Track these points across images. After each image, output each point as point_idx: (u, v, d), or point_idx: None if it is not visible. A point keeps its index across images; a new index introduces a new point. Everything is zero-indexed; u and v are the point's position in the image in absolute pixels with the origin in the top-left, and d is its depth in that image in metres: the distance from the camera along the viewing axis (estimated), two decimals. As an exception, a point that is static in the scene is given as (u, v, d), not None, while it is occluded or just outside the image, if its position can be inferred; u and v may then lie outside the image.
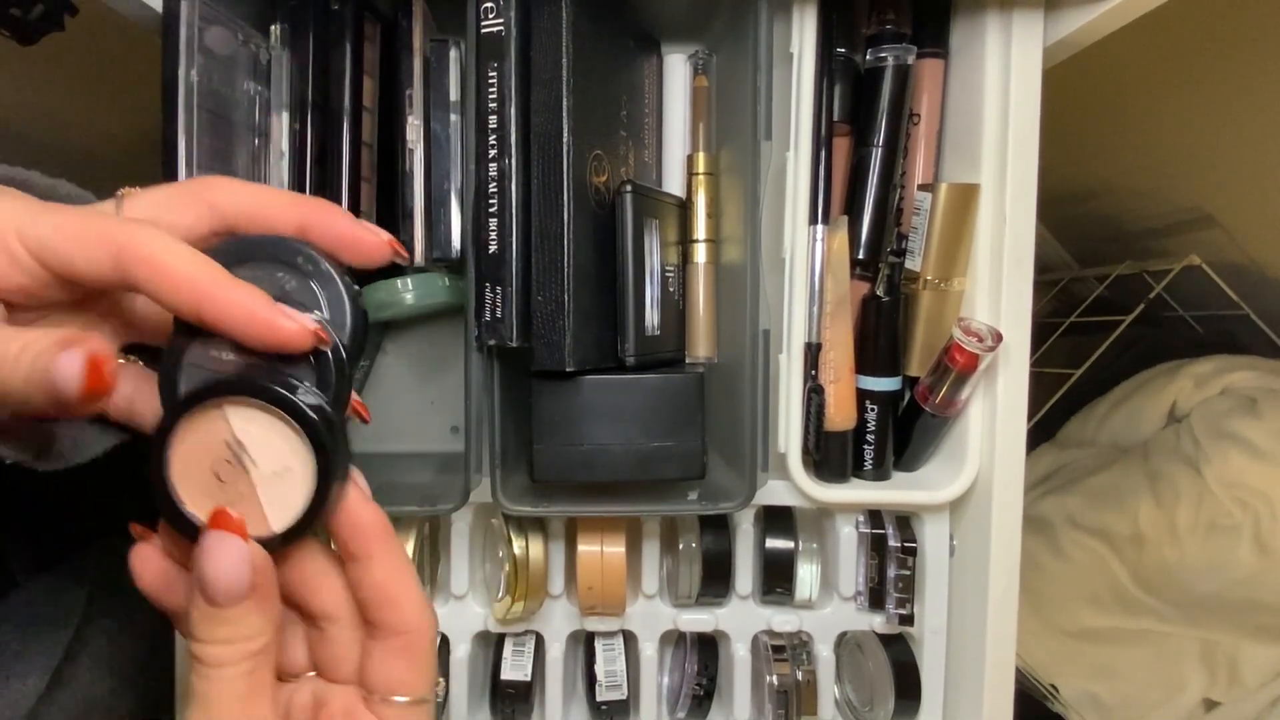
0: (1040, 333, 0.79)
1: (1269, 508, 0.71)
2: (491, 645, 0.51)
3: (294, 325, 0.26)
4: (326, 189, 0.45)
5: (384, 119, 0.47)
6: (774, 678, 0.48)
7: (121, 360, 0.31)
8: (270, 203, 0.29)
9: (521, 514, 0.44)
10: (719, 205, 0.49)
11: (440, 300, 0.48)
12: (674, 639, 0.54)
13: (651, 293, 0.45)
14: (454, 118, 0.45)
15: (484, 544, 0.50)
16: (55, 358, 0.24)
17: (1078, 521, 0.81)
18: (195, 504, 0.27)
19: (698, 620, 0.50)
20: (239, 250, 0.28)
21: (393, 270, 0.47)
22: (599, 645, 0.51)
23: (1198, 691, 0.76)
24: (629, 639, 0.51)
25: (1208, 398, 0.79)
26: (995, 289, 0.45)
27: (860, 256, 0.48)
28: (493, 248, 0.41)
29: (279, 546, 0.27)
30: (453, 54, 0.47)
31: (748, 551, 0.49)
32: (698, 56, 0.52)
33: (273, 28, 0.44)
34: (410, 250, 0.47)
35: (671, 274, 0.47)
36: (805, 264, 0.46)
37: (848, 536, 0.49)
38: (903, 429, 0.49)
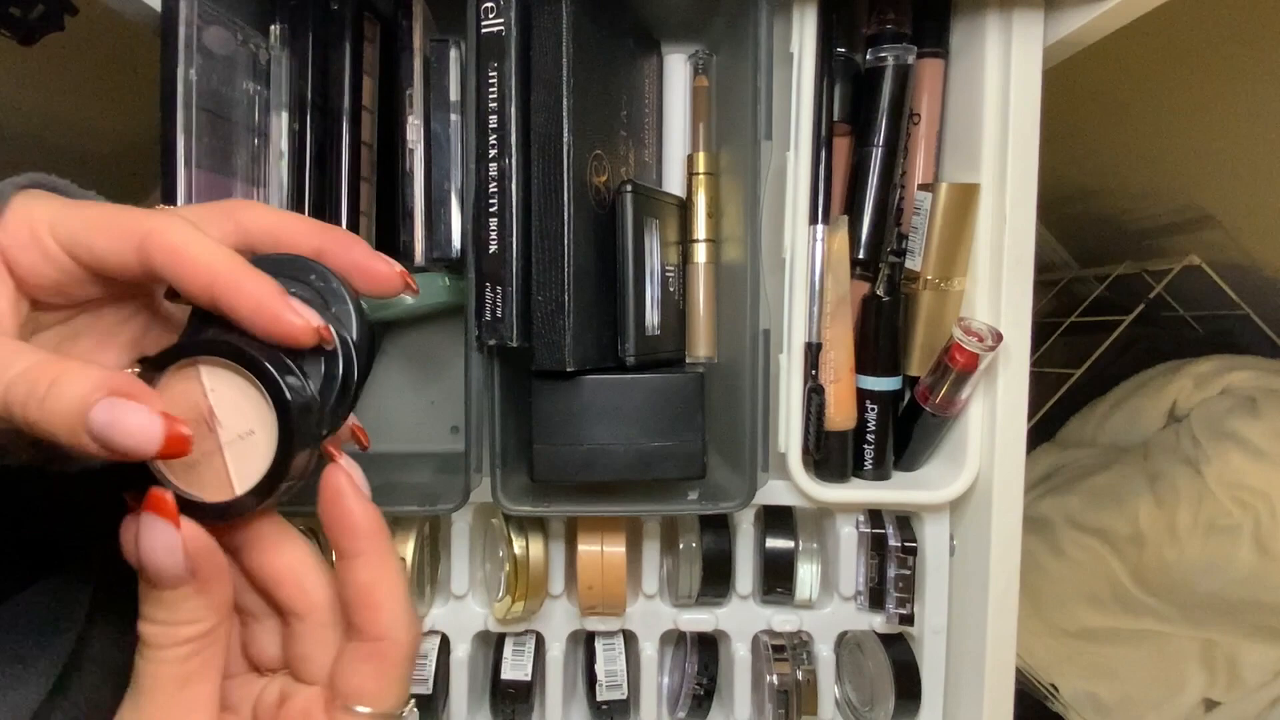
0: (1040, 333, 0.79)
1: (1269, 508, 0.71)
2: (491, 645, 0.51)
3: (299, 319, 0.27)
4: (326, 189, 0.45)
5: (384, 119, 0.47)
6: (774, 678, 0.48)
7: (136, 369, 0.31)
8: (293, 227, 0.30)
9: (521, 514, 0.44)
10: (719, 205, 0.49)
11: (440, 300, 0.48)
12: (674, 639, 0.54)
13: (651, 293, 0.45)
14: (454, 118, 0.45)
15: (484, 544, 0.50)
16: (114, 415, 0.24)
17: (1078, 521, 0.81)
18: (166, 463, 0.27)
19: (698, 620, 0.50)
20: (257, 264, 0.28)
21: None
22: (599, 645, 0.51)
23: (1198, 691, 0.76)
24: (629, 639, 0.51)
25: (1208, 398, 0.79)
26: (995, 289, 0.45)
27: (860, 256, 0.48)
28: (493, 248, 0.41)
29: (239, 512, 0.27)
30: (453, 54, 0.47)
31: (748, 551, 0.49)
32: (698, 56, 0.52)
33: (272, 28, 0.44)
34: (410, 250, 0.47)
35: (671, 274, 0.47)
36: (805, 264, 0.46)
37: (848, 536, 0.49)
38: (903, 429, 0.49)
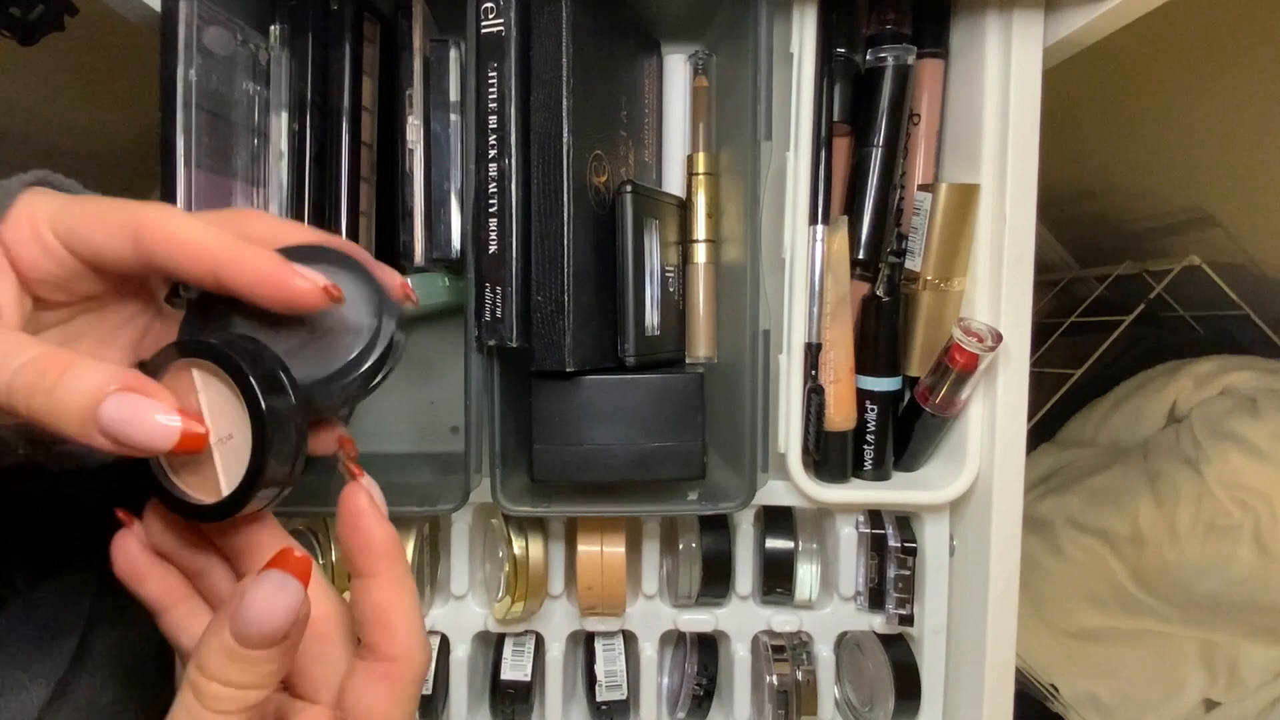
0: (1040, 333, 0.79)
1: (1269, 508, 0.71)
2: (491, 645, 0.51)
3: (306, 283, 0.27)
4: (326, 189, 0.45)
5: (384, 119, 0.47)
6: (774, 678, 0.48)
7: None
8: (296, 235, 0.31)
9: (521, 514, 0.44)
10: (719, 205, 0.49)
11: (440, 300, 0.48)
12: (674, 639, 0.54)
13: (651, 293, 0.45)
14: (454, 118, 0.45)
15: (484, 544, 0.50)
16: (126, 410, 0.24)
17: (1078, 521, 0.81)
18: (170, 458, 0.27)
19: (698, 620, 0.50)
20: (291, 253, 0.28)
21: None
22: (599, 645, 0.51)
23: (1198, 691, 0.76)
24: (629, 639, 0.51)
25: (1208, 398, 0.79)
26: (995, 289, 0.45)
27: (860, 256, 0.48)
28: (493, 248, 0.41)
29: (220, 515, 0.27)
30: (453, 54, 0.47)
31: (748, 551, 0.49)
32: (698, 56, 0.52)
33: (272, 28, 0.44)
34: (410, 250, 0.47)
35: (671, 274, 0.47)
36: (805, 264, 0.45)
37: (848, 536, 0.49)
38: (903, 429, 0.49)
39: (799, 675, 0.49)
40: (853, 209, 0.49)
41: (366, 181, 0.47)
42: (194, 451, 0.25)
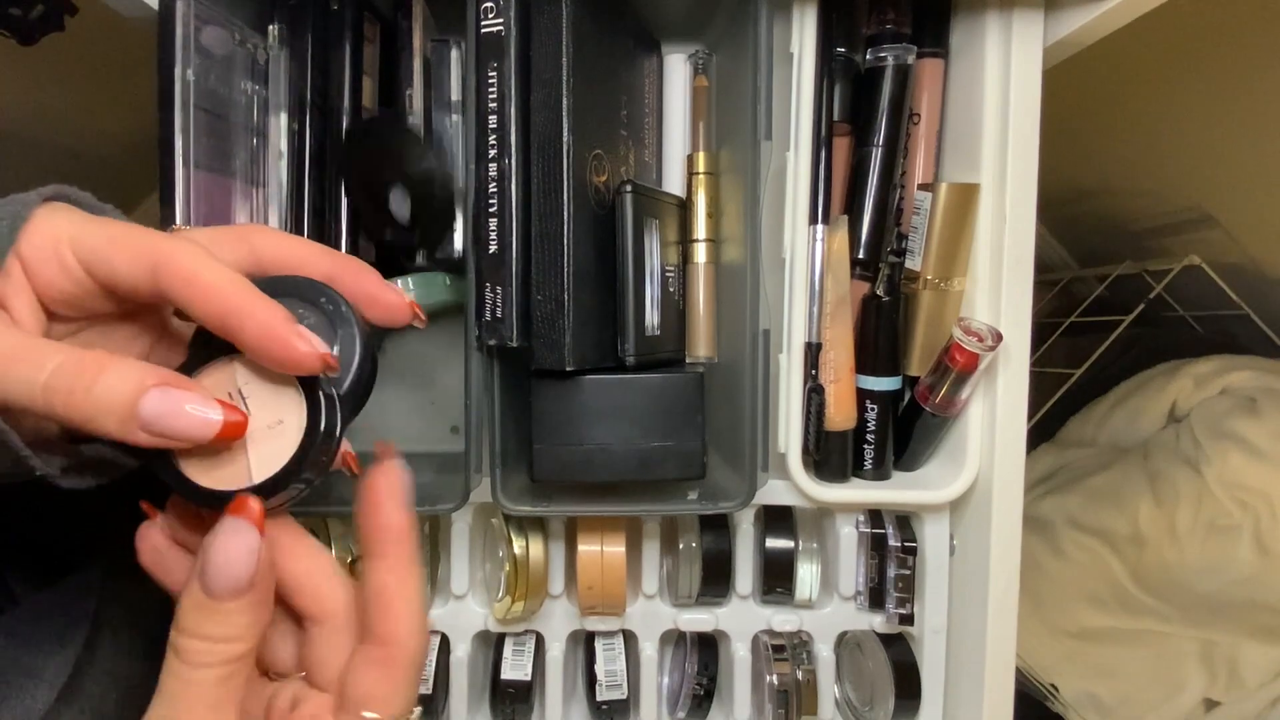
0: (1040, 333, 0.79)
1: (1269, 508, 0.71)
2: (491, 645, 0.51)
3: (306, 347, 0.27)
4: (325, 189, 0.45)
5: (384, 119, 0.47)
6: (774, 678, 0.48)
7: None
8: (305, 253, 0.31)
9: (521, 514, 0.44)
10: (719, 205, 0.49)
11: (441, 300, 0.48)
12: (674, 639, 0.54)
13: (651, 293, 0.45)
14: (454, 118, 0.45)
15: (484, 544, 0.50)
16: (166, 404, 0.25)
17: (1078, 521, 0.81)
18: (187, 455, 0.28)
19: (698, 620, 0.50)
20: (268, 285, 0.29)
21: (394, 270, 0.48)
22: (599, 645, 0.51)
23: (1198, 691, 0.76)
24: (629, 639, 0.51)
25: (1208, 398, 0.79)
26: (995, 289, 0.45)
27: (860, 256, 0.48)
28: (493, 247, 0.41)
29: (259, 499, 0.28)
30: (453, 54, 0.47)
31: (748, 551, 0.49)
32: (698, 56, 0.52)
33: (270, 28, 0.44)
34: (412, 250, 0.47)
35: (671, 274, 0.47)
36: (805, 264, 0.45)
37: (848, 536, 0.49)
38: (903, 429, 0.49)
39: (799, 675, 0.49)
40: (853, 209, 0.49)
41: (366, 181, 0.47)
42: (234, 438, 0.27)
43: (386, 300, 0.32)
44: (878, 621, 0.49)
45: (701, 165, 0.49)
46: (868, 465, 0.49)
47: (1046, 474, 0.89)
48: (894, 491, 0.48)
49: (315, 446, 0.28)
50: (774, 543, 0.49)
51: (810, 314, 0.46)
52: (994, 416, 0.45)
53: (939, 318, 0.48)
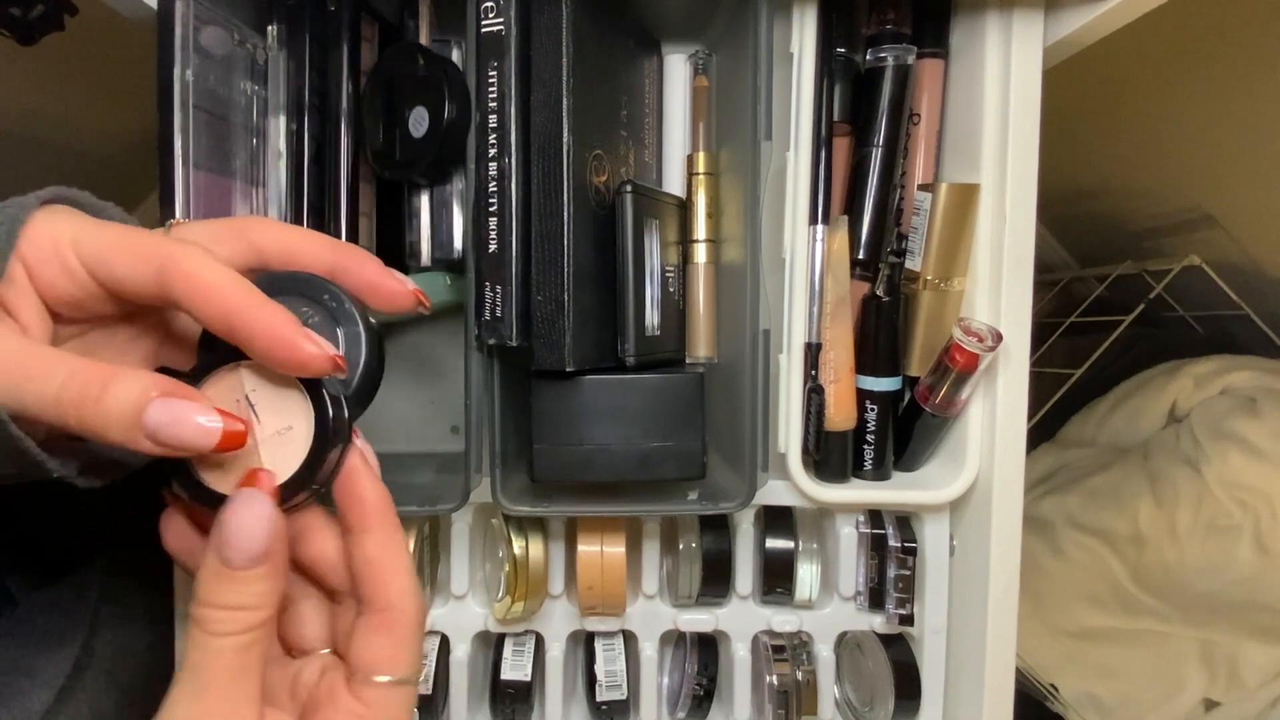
0: (1040, 333, 0.79)
1: (1269, 508, 0.71)
2: (491, 645, 0.51)
3: (314, 349, 0.28)
4: (325, 189, 0.45)
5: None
6: (774, 678, 0.48)
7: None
8: (306, 244, 0.31)
9: (521, 514, 0.44)
10: (719, 205, 0.49)
11: (442, 300, 0.48)
12: (674, 639, 0.54)
13: (651, 293, 0.45)
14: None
15: (484, 544, 0.50)
16: (168, 414, 0.26)
17: (1078, 521, 0.81)
18: (200, 460, 0.28)
19: (698, 620, 0.50)
20: (271, 282, 0.30)
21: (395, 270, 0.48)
22: (599, 645, 0.51)
23: (1198, 691, 0.76)
24: (629, 639, 0.51)
25: (1208, 398, 0.79)
26: (995, 289, 0.45)
27: (860, 256, 0.48)
28: (492, 247, 0.41)
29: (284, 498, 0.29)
30: (453, 54, 0.47)
31: (748, 551, 0.49)
32: (698, 56, 0.52)
33: (269, 28, 0.44)
34: (417, 250, 0.47)
35: (671, 274, 0.47)
36: (805, 264, 0.45)
37: (848, 536, 0.49)
38: (903, 429, 0.49)
39: (799, 675, 0.49)
40: (853, 209, 0.49)
41: (366, 182, 0.47)
42: (235, 448, 0.27)
43: (389, 288, 0.32)
44: (878, 622, 0.49)
45: (701, 165, 0.49)
46: (868, 465, 0.49)
47: (1046, 474, 0.89)
48: (894, 492, 0.48)
49: (325, 449, 0.28)
50: (774, 543, 0.49)
51: (810, 314, 0.46)
52: (994, 416, 0.45)
53: (939, 318, 0.48)
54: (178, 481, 0.29)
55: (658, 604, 0.50)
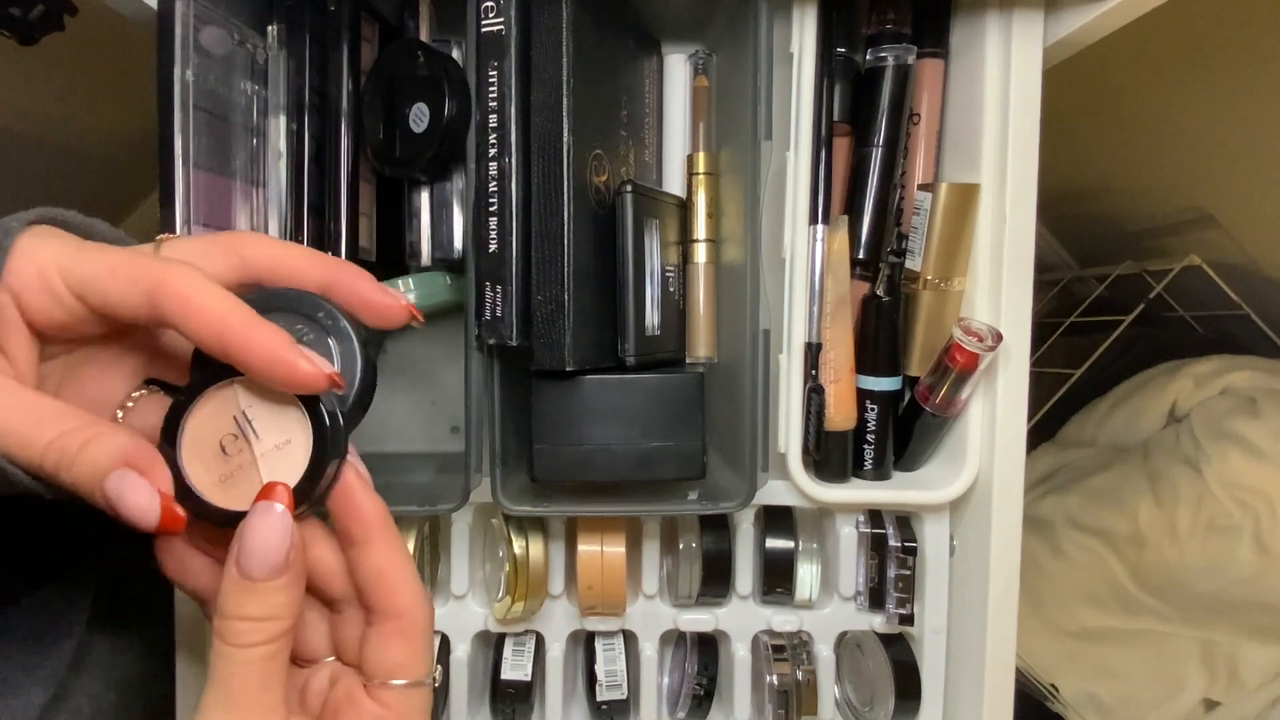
0: (1040, 333, 0.79)
1: (1269, 508, 0.71)
2: (491, 645, 0.51)
3: (311, 368, 0.28)
4: (326, 190, 0.45)
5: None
6: (774, 678, 0.48)
7: (143, 391, 0.32)
8: (297, 259, 0.31)
9: (521, 514, 0.44)
10: (719, 205, 0.49)
11: (443, 299, 0.48)
12: (674, 639, 0.54)
13: (651, 293, 0.45)
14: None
15: (484, 544, 0.50)
16: (123, 488, 0.27)
17: (1078, 521, 0.81)
18: (201, 477, 0.29)
19: (698, 620, 0.50)
20: (264, 299, 0.30)
21: (395, 270, 0.48)
22: (599, 645, 0.51)
23: (1198, 691, 0.76)
24: (629, 639, 0.51)
25: (1208, 398, 0.79)
26: (995, 289, 0.45)
27: (860, 256, 0.48)
28: (492, 246, 0.41)
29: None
30: (453, 53, 0.47)
31: (748, 551, 0.49)
32: (698, 56, 0.52)
33: (269, 28, 0.44)
34: (417, 250, 0.47)
35: (671, 274, 0.47)
36: (805, 264, 0.45)
37: (848, 536, 0.49)
38: (903, 429, 0.49)
39: (799, 675, 0.49)
40: (853, 209, 0.49)
41: (367, 182, 0.47)
42: (173, 531, 0.28)
43: (382, 304, 0.32)
44: (878, 622, 0.49)
45: (701, 165, 0.49)
46: (868, 465, 0.49)
47: (1046, 474, 0.89)
48: (894, 491, 0.48)
49: (324, 461, 0.29)
50: (774, 543, 0.49)
51: (810, 314, 0.46)
52: (994, 416, 0.45)
53: (939, 318, 0.48)
54: (179, 500, 0.29)
55: (658, 604, 0.50)
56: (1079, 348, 0.89)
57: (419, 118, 0.42)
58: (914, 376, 0.49)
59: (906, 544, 0.48)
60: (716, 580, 0.49)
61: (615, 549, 0.47)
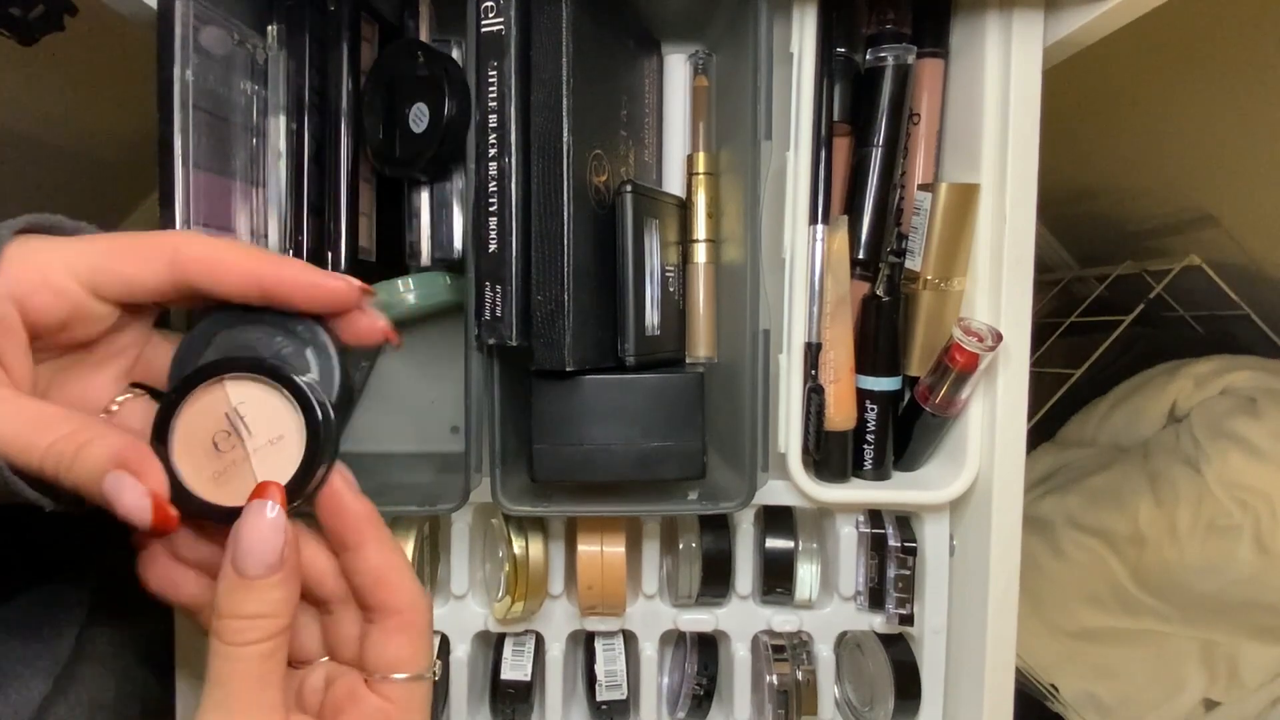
0: (1040, 333, 0.79)
1: (1269, 508, 0.71)
2: (491, 645, 0.51)
3: (340, 282, 0.29)
4: (326, 189, 0.45)
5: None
6: (774, 678, 0.48)
7: (129, 394, 0.32)
8: (229, 258, 0.31)
9: (521, 514, 0.44)
10: (719, 205, 0.49)
11: (442, 299, 0.48)
12: (674, 639, 0.54)
13: (651, 293, 0.45)
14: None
15: (484, 544, 0.50)
16: (120, 488, 0.27)
17: (1078, 521, 0.81)
18: (194, 475, 0.29)
19: (698, 620, 0.50)
20: (245, 312, 0.31)
21: (395, 270, 0.48)
22: (599, 645, 0.51)
23: (1198, 691, 0.76)
24: (629, 639, 0.51)
25: (1208, 398, 0.79)
26: (995, 289, 0.45)
27: (860, 256, 0.48)
28: (492, 247, 0.41)
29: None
30: (453, 53, 0.47)
31: (748, 551, 0.49)
32: (698, 56, 0.52)
33: (269, 28, 0.44)
34: (417, 250, 0.47)
35: (671, 274, 0.47)
36: (805, 264, 0.45)
37: (848, 536, 0.49)
38: (903, 429, 0.49)
39: (799, 675, 0.49)
40: (853, 209, 0.49)
41: (366, 182, 0.47)
42: (166, 531, 0.28)
43: (330, 288, 0.31)
44: (878, 622, 0.49)
45: (701, 165, 0.49)
46: (868, 465, 0.49)
47: (1046, 474, 0.89)
48: (894, 491, 0.48)
49: (317, 454, 0.29)
50: (774, 543, 0.49)
51: (810, 314, 0.46)
52: (994, 416, 0.45)
53: (939, 318, 0.48)
54: (174, 500, 0.29)
55: (658, 604, 0.50)
56: (1079, 348, 0.89)
57: (419, 118, 0.42)
58: (914, 376, 0.49)
59: (906, 544, 0.48)
60: (716, 580, 0.49)
61: (615, 549, 0.47)
